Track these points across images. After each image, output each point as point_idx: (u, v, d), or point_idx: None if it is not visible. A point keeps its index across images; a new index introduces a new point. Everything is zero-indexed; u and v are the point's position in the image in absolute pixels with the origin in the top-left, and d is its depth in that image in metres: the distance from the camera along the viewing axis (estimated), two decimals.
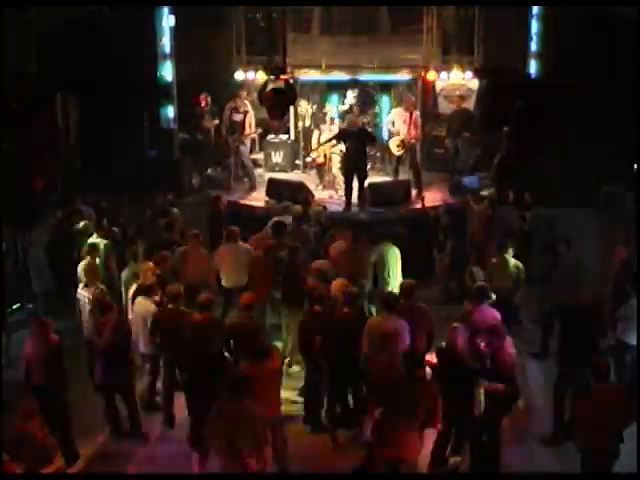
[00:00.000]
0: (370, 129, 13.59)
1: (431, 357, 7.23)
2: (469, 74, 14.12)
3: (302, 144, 14.76)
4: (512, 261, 9.39)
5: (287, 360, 8.87)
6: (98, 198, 11.48)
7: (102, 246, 9.66)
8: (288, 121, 14.77)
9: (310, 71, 14.27)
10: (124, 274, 9.33)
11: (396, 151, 13.44)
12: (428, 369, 6.82)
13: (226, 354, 7.58)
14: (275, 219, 10.46)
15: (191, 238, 9.55)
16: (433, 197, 13.08)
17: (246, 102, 14.05)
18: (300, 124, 14.74)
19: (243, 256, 9.51)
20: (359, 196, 12.54)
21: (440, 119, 15.06)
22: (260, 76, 13.67)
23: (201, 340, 7.45)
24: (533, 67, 14.13)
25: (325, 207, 12.17)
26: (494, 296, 8.28)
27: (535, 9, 13.95)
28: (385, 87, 14.64)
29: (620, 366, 8.08)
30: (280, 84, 12.56)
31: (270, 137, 14.94)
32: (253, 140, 14.86)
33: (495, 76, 14.17)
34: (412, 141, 13.31)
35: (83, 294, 8.55)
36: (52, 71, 11.88)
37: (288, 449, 7.11)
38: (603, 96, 12.38)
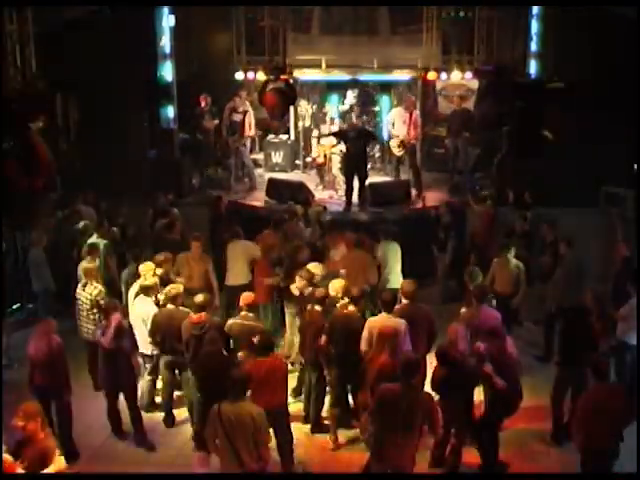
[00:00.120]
0: (370, 129, 13.59)
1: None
2: (469, 74, 14.12)
3: (302, 144, 14.76)
4: (513, 261, 9.40)
5: (289, 359, 8.89)
6: (98, 198, 11.48)
7: (102, 246, 9.67)
8: (288, 121, 14.78)
9: (310, 71, 14.27)
10: (124, 274, 9.35)
11: (396, 151, 13.45)
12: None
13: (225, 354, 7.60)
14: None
15: (193, 241, 9.55)
16: (433, 197, 13.08)
17: (246, 102, 14.06)
18: (300, 124, 14.74)
19: (248, 254, 9.54)
20: (359, 196, 12.54)
21: (440, 119, 15.07)
22: (260, 76, 13.68)
23: (199, 340, 7.48)
24: (533, 67, 14.13)
25: (325, 207, 12.17)
26: (494, 302, 8.29)
27: (535, 9, 13.94)
28: (385, 87, 14.65)
29: (620, 366, 8.09)
30: (280, 84, 12.56)
31: (270, 137, 14.94)
32: (253, 140, 14.87)
33: (495, 76, 14.16)
34: (412, 141, 13.31)
35: (82, 294, 8.55)
36: (52, 71, 11.85)
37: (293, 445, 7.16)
38: (603, 96, 12.38)
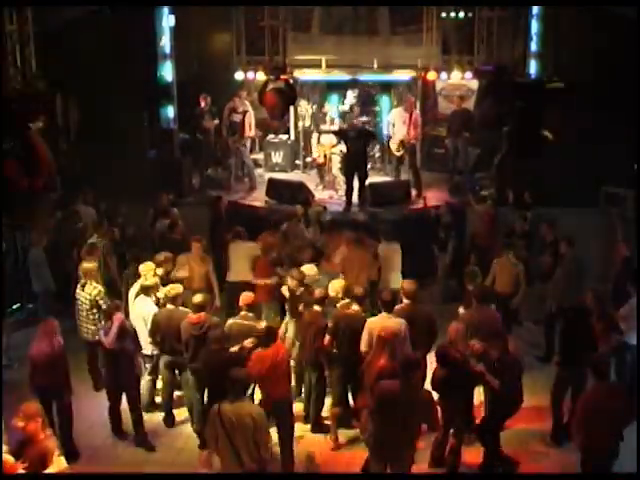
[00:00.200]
0: (370, 128, 13.59)
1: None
2: (469, 74, 14.13)
3: (302, 144, 14.76)
4: (513, 261, 9.40)
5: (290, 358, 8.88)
6: (98, 198, 11.48)
7: (102, 246, 9.67)
8: (288, 121, 14.78)
9: (310, 71, 14.28)
10: (126, 274, 9.34)
11: (396, 151, 13.45)
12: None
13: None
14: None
15: (193, 242, 9.55)
16: (433, 197, 13.08)
17: (246, 102, 14.06)
18: (300, 124, 14.74)
19: (250, 254, 9.57)
20: (359, 196, 12.54)
21: (440, 119, 15.07)
22: (260, 76, 13.68)
23: (197, 341, 7.49)
24: (533, 67, 14.13)
25: (325, 207, 12.17)
26: (493, 306, 8.28)
27: (535, 9, 13.93)
28: (385, 87, 14.66)
29: (620, 366, 8.09)
30: (280, 84, 12.56)
31: (270, 137, 14.94)
32: (253, 140, 14.86)
33: (495, 76, 14.15)
34: (412, 141, 13.32)
35: (82, 294, 8.55)
36: (52, 71, 11.85)
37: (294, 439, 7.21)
38: (603, 96, 12.38)
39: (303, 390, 8.29)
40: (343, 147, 12.80)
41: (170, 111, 14.04)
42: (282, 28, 14.26)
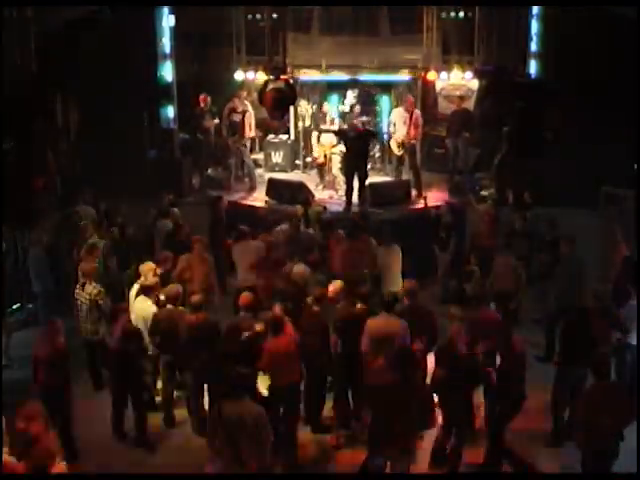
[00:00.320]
0: (370, 128, 13.59)
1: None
2: (469, 74, 14.13)
3: (302, 144, 14.76)
4: (513, 261, 9.40)
5: None
6: (98, 198, 11.48)
7: (102, 246, 9.67)
8: (288, 121, 14.77)
9: (310, 71, 14.28)
10: (128, 274, 9.33)
11: (396, 151, 13.45)
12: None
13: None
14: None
15: (194, 242, 9.54)
16: (434, 197, 13.07)
17: (245, 102, 14.06)
18: (300, 124, 14.74)
19: (255, 254, 9.54)
20: (359, 196, 12.53)
21: (440, 119, 15.06)
22: (260, 76, 13.67)
23: (195, 340, 7.50)
24: (533, 67, 14.13)
25: (325, 207, 12.17)
26: (493, 305, 8.29)
27: (535, 9, 13.94)
28: (385, 87, 14.64)
29: (620, 366, 8.09)
30: (280, 84, 12.56)
31: (270, 137, 14.93)
32: (253, 140, 14.86)
33: (495, 76, 14.16)
34: (412, 141, 13.32)
35: (82, 294, 8.55)
36: (52, 71, 11.86)
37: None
38: (603, 96, 12.38)
39: (303, 390, 8.28)
40: (343, 147, 12.80)
41: (170, 111, 14.05)
42: (282, 28, 14.22)
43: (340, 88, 14.50)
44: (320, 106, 14.53)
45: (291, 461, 7.21)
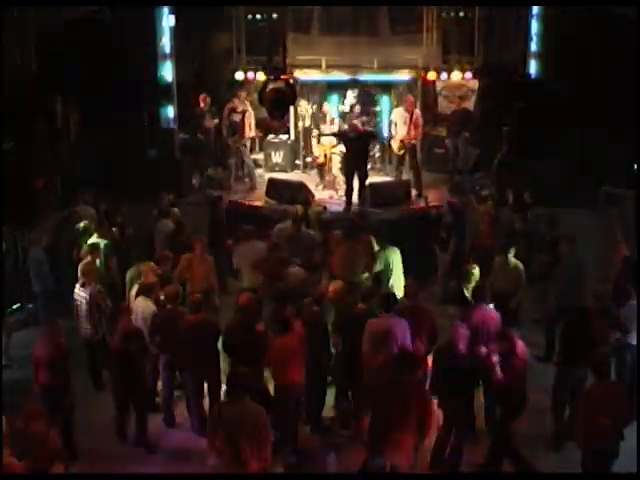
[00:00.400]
0: (370, 128, 13.60)
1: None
2: (469, 74, 14.12)
3: (302, 144, 14.76)
4: (513, 261, 9.39)
5: None
6: (98, 198, 11.48)
7: (102, 246, 9.66)
8: (288, 121, 14.77)
9: (310, 71, 14.28)
10: (129, 274, 9.33)
11: (398, 151, 13.46)
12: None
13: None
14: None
15: (195, 243, 9.54)
16: (434, 197, 13.08)
17: (245, 102, 14.06)
18: (300, 124, 14.74)
19: (259, 255, 9.52)
20: (359, 196, 12.54)
21: (440, 119, 15.06)
22: (260, 76, 13.67)
23: (195, 340, 7.51)
24: (533, 67, 14.13)
25: (325, 207, 12.17)
26: (491, 306, 8.28)
27: (535, 9, 13.95)
28: (385, 87, 14.64)
29: (620, 366, 8.08)
30: (280, 84, 12.56)
31: (270, 137, 14.93)
32: (253, 140, 14.86)
33: (495, 76, 14.17)
34: (412, 141, 13.32)
35: (81, 294, 8.55)
36: (52, 71, 11.86)
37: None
38: (603, 96, 12.37)
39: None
40: (343, 147, 12.80)
41: (170, 111, 14.03)
42: (282, 28, 14.24)
43: (340, 88, 14.50)
44: (320, 106, 14.54)
45: (291, 461, 7.21)
